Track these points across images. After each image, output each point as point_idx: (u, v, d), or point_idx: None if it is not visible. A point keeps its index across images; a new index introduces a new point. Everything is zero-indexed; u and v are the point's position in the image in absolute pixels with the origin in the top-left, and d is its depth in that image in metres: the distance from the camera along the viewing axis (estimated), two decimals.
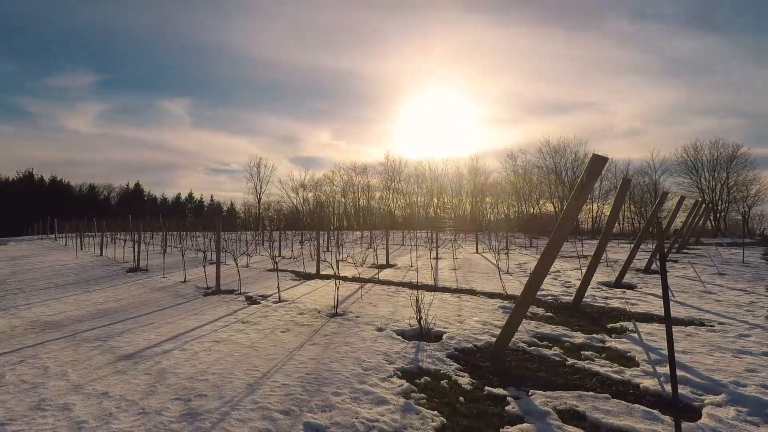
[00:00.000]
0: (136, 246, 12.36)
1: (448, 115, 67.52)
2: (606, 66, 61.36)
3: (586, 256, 12.39)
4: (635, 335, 4.58)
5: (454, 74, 69.27)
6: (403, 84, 72.65)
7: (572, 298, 6.40)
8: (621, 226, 37.27)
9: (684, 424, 2.66)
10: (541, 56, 64.15)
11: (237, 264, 9.28)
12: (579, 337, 4.63)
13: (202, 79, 79.08)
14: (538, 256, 3.87)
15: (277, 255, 13.23)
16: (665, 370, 3.49)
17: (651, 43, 59.32)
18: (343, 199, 53.11)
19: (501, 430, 2.72)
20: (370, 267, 11.11)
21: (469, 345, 4.38)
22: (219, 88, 79.80)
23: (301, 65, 73.71)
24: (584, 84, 61.53)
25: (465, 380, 3.49)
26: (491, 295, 7.05)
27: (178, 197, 68.57)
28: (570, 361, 3.92)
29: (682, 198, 10.74)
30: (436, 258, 13.24)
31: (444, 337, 4.62)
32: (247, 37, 72.92)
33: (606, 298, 6.81)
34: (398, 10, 66.08)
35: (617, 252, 14.52)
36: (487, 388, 3.32)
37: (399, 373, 3.64)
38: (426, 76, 71.54)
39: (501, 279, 7.99)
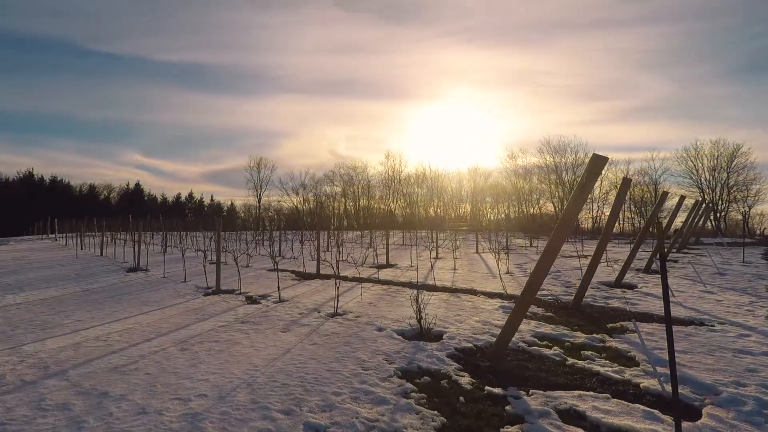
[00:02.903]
0: (136, 246, 12.36)
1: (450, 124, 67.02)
2: None
3: (586, 256, 12.39)
4: (635, 335, 4.57)
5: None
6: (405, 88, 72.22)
7: (572, 297, 6.40)
8: (621, 226, 37.28)
9: (684, 424, 2.66)
10: None
11: (237, 264, 9.28)
12: (579, 337, 4.63)
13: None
14: (538, 256, 3.86)
15: (277, 255, 13.23)
16: (665, 370, 3.49)
17: None
18: (343, 199, 53.17)
19: (501, 429, 2.71)
20: (370, 267, 11.11)
21: (469, 345, 4.37)
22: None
23: None
24: None
25: (465, 380, 3.49)
26: (491, 295, 7.05)
27: (178, 197, 68.50)
28: (570, 360, 3.92)
29: (682, 198, 10.73)
30: (436, 258, 13.24)
31: (444, 336, 4.62)
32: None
33: (606, 297, 6.80)
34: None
35: (617, 252, 14.51)
36: (487, 388, 3.32)
37: (399, 372, 3.64)
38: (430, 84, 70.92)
39: (501, 279, 7.98)
